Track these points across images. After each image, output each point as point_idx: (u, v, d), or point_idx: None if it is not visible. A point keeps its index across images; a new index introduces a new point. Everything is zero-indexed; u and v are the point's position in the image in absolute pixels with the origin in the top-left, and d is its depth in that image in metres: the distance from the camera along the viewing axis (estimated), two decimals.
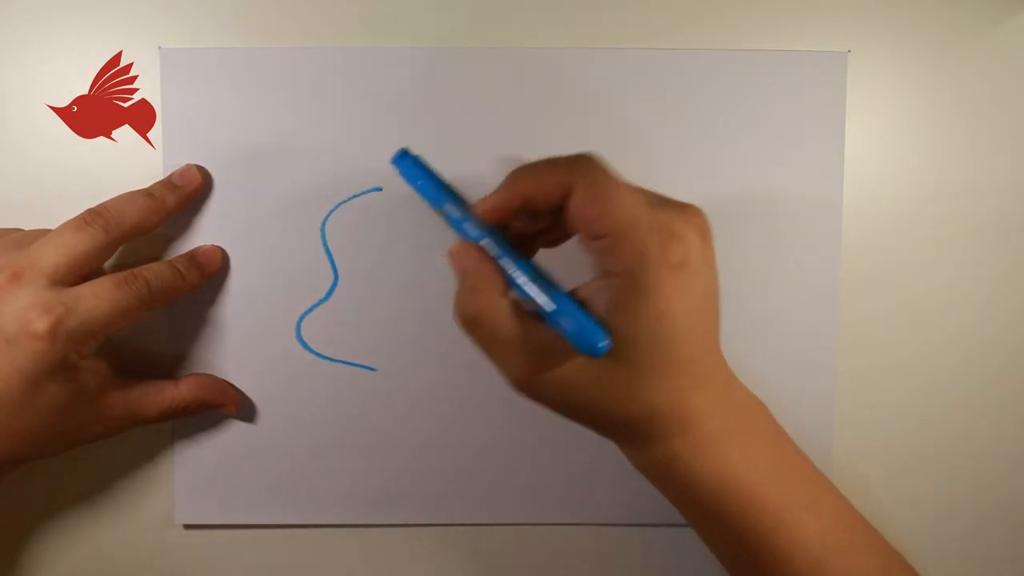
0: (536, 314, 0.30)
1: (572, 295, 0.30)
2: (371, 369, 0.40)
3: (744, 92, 0.39)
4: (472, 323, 0.31)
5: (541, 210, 0.31)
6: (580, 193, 0.29)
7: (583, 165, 0.30)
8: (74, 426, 0.35)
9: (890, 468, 0.41)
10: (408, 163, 0.34)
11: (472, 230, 0.32)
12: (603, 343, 0.28)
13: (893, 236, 0.40)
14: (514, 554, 0.41)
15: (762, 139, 0.39)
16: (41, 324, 0.32)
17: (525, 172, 0.31)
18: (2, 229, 0.37)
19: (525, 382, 0.31)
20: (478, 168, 0.39)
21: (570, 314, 0.29)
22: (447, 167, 0.39)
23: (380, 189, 0.39)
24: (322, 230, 0.39)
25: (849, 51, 0.39)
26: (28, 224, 0.37)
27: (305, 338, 0.39)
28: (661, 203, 0.30)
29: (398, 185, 0.39)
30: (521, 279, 0.30)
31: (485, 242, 0.31)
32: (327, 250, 0.39)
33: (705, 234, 0.30)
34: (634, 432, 0.31)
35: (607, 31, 0.39)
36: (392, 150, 0.39)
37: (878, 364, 0.41)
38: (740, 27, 0.39)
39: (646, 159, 0.39)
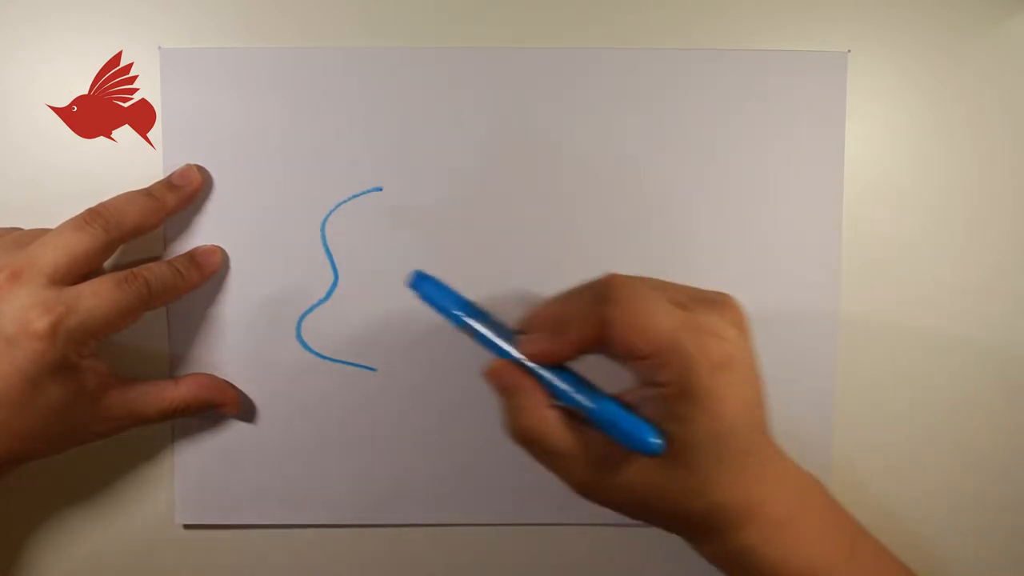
0: (586, 420, 0.30)
1: (618, 399, 0.31)
2: (371, 369, 0.40)
3: (744, 92, 0.39)
4: (526, 440, 0.31)
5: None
6: (616, 326, 0.29)
7: (612, 295, 0.30)
8: (74, 426, 0.35)
9: (890, 468, 0.41)
10: (427, 285, 0.33)
11: (504, 344, 0.32)
12: (655, 440, 0.29)
13: (893, 236, 0.40)
14: (514, 554, 0.41)
15: (762, 139, 0.39)
16: (41, 324, 0.32)
17: (561, 322, 0.31)
18: (2, 229, 0.37)
19: (588, 488, 0.31)
20: (478, 168, 0.39)
21: (619, 415, 0.29)
22: (447, 167, 0.39)
23: (380, 189, 0.39)
24: (322, 230, 0.39)
25: (849, 51, 0.39)
26: (28, 224, 0.37)
27: (305, 338, 0.39)
28: (695, 302, 0.30)
29: (398, 185, 0.39)
30: (565, 388, 0.31)
31: (520, 353, 0.31)
32: (327, 250, 0.39)
33: (743, 326, 0.31)
34: (701, 528, 0.32)
35: (607, 31, 0.39)
36: (392, 150, 0.39)
37: (878, 364, 0.41)
38: (740, 27, 0.39)
39: (646, 159, 0.39)
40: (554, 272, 0.39)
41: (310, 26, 0.39)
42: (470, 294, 0.39)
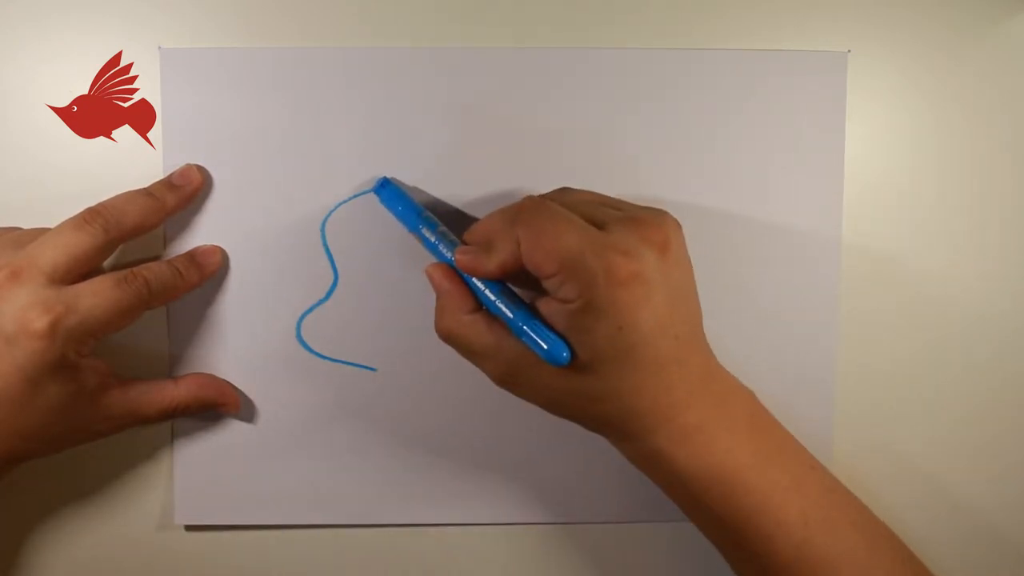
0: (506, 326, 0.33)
1: (536, 309, 0.33)
2: (371, 369, 0.40)
3: (744, 92, 0.39)
4: (446, 336, 0.35)
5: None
6: (524, 244, 0.32)
7: (522, 217, 0.32)
8: (74, 425, 0.35)
9: (890, 467, 0.41)
10: (388, 191, 0.37)
11: (446, 251, 0.35)
12: (564, 355, 0.31)
13: (893, 236, 0.40)
14: (514, 554, 0.41)
15: (762, 139, 0.39)
16: (40, 323, 0.32)
17: (489, 241, 0.34)
18: (1, 228, 0.37)
19: (505, 383, 0.34)
20: (478, 167, 0.39)
21: (532, 328, 0.32)
22: (447, 167, 0.39)
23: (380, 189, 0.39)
24: (322, 230, 0.39)
25: (849, 51, 0.39)
26: (28, 224, 0.37)
27: (305, 338, 0.39)
28: (617, 221, 0.32)
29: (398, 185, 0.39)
30: (488, 297, 0.34)
31: (453, 261, 0.35)
32: (327, 250, 0.39)
33: (663, 244, 0.32)
34: (615, 429, 0.34)
35: (607, 31, 0.39)
36: (391, 150, 0.39)
37: (878, 363, 0.41)
38: (740, 27, 0.39)
39: (646, 159, 0.39)
40: None
41: (310, 26, 0.39)
42: None
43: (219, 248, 0.39)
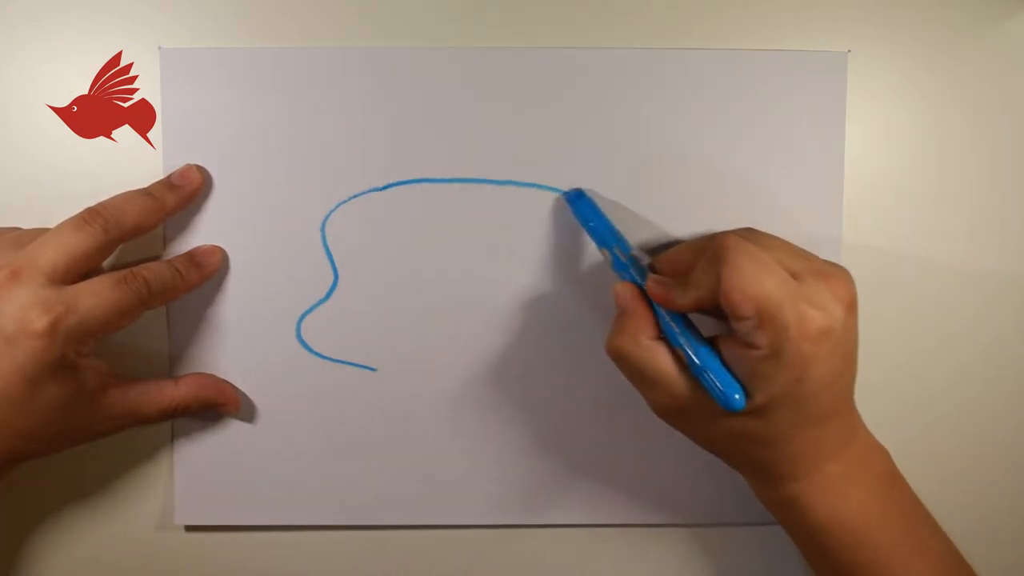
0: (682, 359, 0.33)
1: (716, 346, 0.33)
2: (371, 369, 0.40)
3: (744, 92, 0.39)
4: (619, 356, 0.35)
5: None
6: (725, 283, 0.31)
7: (726, 256, 0.32)
8: (74, 425, 0.35)
9: None
10: (584, 204, 0.38)
11: (636, 275, 0.35)
12: (739, 403, 0.31)
13: (893, 236, 0.40)
14: (514, 554, 0.41)
15: (762, 139, 0.39)
16: (40, 323, 0.32)
17: (686, 274, 0.34)
18: (1, 228, 0.37)
19: (666, 415, 0.35)
20: (478, 167, 0.39)
21: (712, 370, 0.32)
22: (447, 167, 0.39)
23: (380, 189, 0.39)
24: (322, 230, 0.39)
25: (849, 51, 0.39)
26: (28, 224, 0.37)
27: (305, 338, 0.39)
28: (809, 272, 0.32)
29: (398, 186, 0.39)
30: (673, 329, 0.34)
31: (645, 286, 0.35)
32: (327, 250, 0.39)
33: (849, 303, 0.32)
34: (762, 473, 0.35)
35: (607, 31, 0.39)
36: (391, 150, 0.39)
37: (878, 364, 0.41)
38: (740, 27, 0.39)
39: (646, 159, 0.39)
40: (553, 270, 0.39)
41: (310, 26, 0.39)
42: (470, 291, 0.39)
43: (219, 248, 0.39)
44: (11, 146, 0.39)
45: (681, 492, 0.41)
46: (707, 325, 0.34)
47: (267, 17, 0.39)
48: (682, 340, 0.33)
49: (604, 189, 0.39)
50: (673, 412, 0.34)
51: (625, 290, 0.35)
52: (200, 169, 0.38)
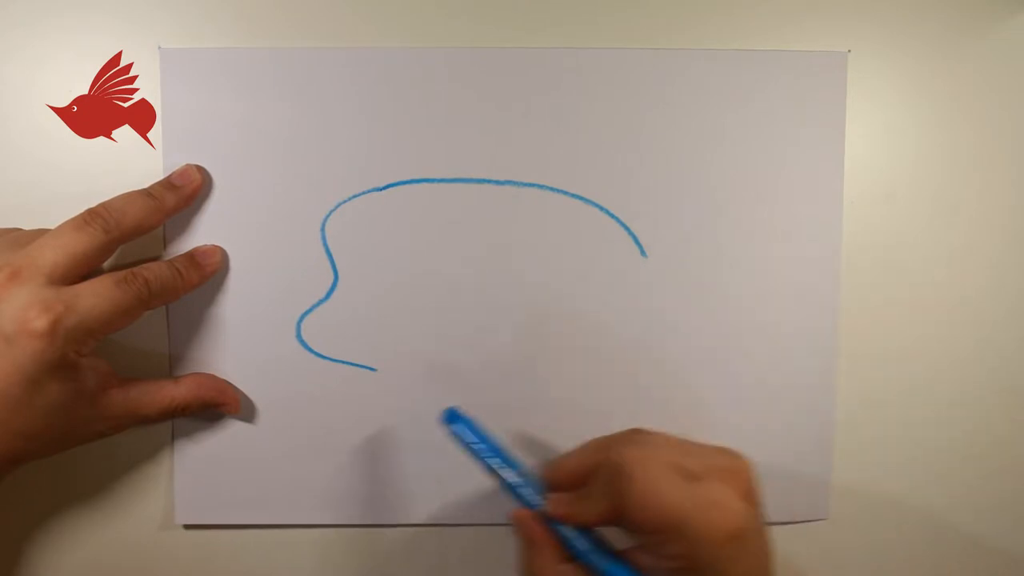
0: None
1: (632, 559, 0.32)
2: (371, 369, 0.40)
3: (744, 92, 0.39)
4: None
5: None
6: (628, 500, 0.31)
7: (625, 471, 0.31)
8: (74, 425, 0.34)
9: (891, 467, 0.41)
10: (462, 425, 0.35)
11: (531, 496, 0.34)
12: None
13: (893, 236, 0.40)
14: (513, 554, 0.41)
15: (762, 139, 0.39)
16: (40, 322, 0.32)
17: (583, 488, 0.33)
18: (1, 229, 0.37)
19: None
20: (478, 167, 0.39)
21: None
22: (447, 167, 0.39)
23: (380, 189, 0.39)
24: (322, 230, 0.39)
25: (849, 51, 0.39)
26: (28, 224, 0.37)
27: (305, 338, 0.39)
28: (706, 472, 0.32)
29: (398, 186, 0.39)
30: (582, 547, 0.33)
31: (543, 509, 0.34)
32: (327, 250, 0.39)
33: (749, 492, 0.32)
34: None
35: (607, 31, 0.39)
36: (391, 150, 0.39)
37: (878, 363, 0.41)
38: (740, 27, 0.39)
39: (646, 159, 0.39)
40: (553, 268, 0.39)
41: (310, 26, 0.39)
42: (470, 291, 0.39)
43: (219, 248, 0.39)
44: (11, 146, 0.39)
45: None
46: (619, 535, 0.33)
47: (267, 17, 0.39)
48: (593, 559, 0.32)
49: (604, 188, 0.39)
50: None
51: (523, 518, 0.34)
52: (200, 169, 0.38)
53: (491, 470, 0.35)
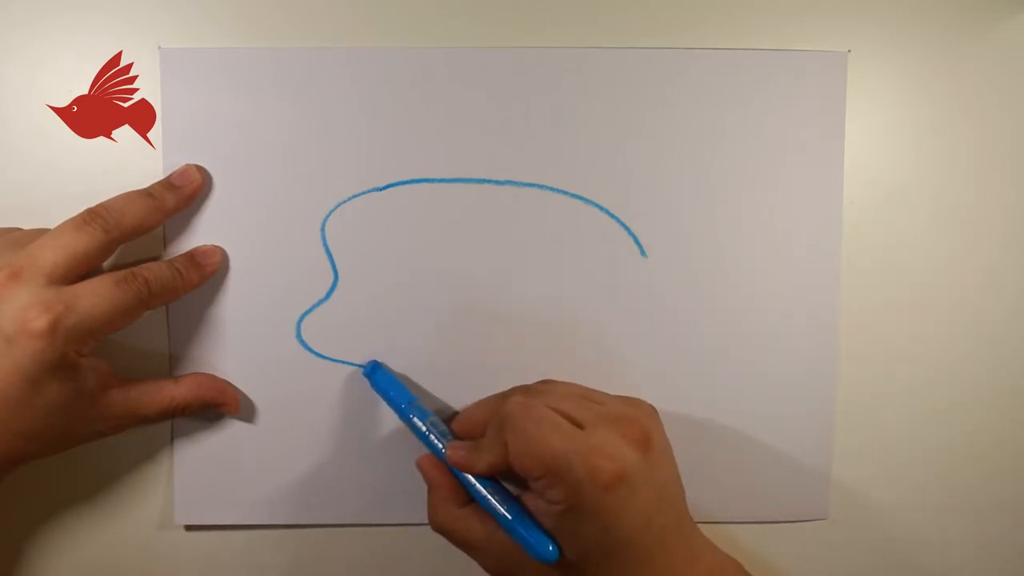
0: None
1: (524, 502, 0.34)
2: None
3: (744, 92, 0.39)
4: (439, 529, 0.36)
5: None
6: (511, 448, 0.33)
7: (508, 422, 0.33)
8: (74, 425, 0.34)
9: (891, 467, 0.41)
10: (381, 376, 0.38)
11: (436, 442, 0.36)
12: (552, 554, 0.32)
13: (893, 236, 0.40)
14: None
15: (762, 139, 0.39)
16: (40, 322, 0.32)
17: (479, 439, 0.35)
18: (1, 229, 0.37)
19: (498, 574, 0.35)
20: (478, 167, 0.39)
21: (521, 524, 0.33)
22: (447, 166, 0.39)
23: (380, 189, 0.39)
24: (322, 230, 0.39)
25: (849, 51, 0.39)
26: (28, 224, 0.37)
27: (305, 338, 0.39)
28: (596, 420, 0.33)
29: (398, 186, 0.39)
30: (479, 492, 0.35)
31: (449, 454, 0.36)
32: (327, 250, 0.39)
33: (643, 441, 0.33)
34: None
35: (607, 31, 0.39)
36: (391, 150, 0.39)
37: (878, 363, 0.41)
38: (740, 27, 0.39)
39: (646, 159, 0.39)
40: (553, 268, 0.39)
41: (310, 26, 0.39)
42: (470, 291, 0.39)
43: (219, 248, 0.39)
44: (11, 146, 0.39)
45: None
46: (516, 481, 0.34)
47: (267, 17, 0.39)
48: (490, 501, 0.34)
49: (604, 188, 0.39)
50: (503, 573, 0.34)
51: (426, 462, 0.37)
52: (200, 169, 0.38)
53: (405, 419, 0.37)
